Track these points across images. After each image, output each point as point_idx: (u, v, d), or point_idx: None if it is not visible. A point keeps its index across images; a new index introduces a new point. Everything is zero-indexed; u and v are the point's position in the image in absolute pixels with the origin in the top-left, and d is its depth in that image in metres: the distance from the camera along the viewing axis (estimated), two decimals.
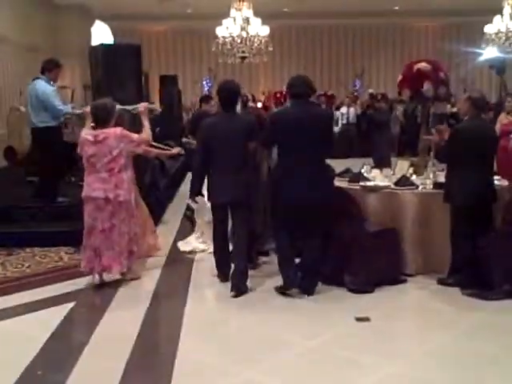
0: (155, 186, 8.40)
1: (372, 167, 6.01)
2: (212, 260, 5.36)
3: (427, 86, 5.43)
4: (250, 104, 18.12)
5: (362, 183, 5.46)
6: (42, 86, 6.96)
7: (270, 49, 15.36)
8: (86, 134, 5.22)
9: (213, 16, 14.97)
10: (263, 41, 15.28)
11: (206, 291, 5.28)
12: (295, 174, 4.59)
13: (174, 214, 8.34)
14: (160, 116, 9.21)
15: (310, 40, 20.47)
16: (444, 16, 18.70)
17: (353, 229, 4.91)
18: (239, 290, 4.88)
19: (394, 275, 5.09)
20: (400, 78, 5.70)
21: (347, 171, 6.02)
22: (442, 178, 5.30)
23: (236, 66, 18.56)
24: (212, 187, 5.06)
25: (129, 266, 5.25)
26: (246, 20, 15.04)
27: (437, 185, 5.29)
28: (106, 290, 5.17)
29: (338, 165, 5.94)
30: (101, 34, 15.41)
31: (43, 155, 7.27)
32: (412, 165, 5.93)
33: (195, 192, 5.29)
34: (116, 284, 5.25)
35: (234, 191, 4.85)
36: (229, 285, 4.98)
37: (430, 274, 5.24)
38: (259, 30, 15.07)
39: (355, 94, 18.27)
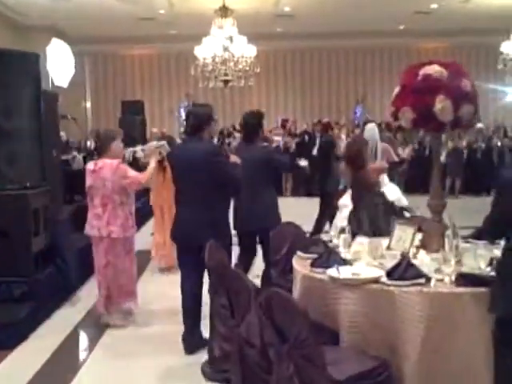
0: None
1: (354, 234, 3.67)
2: None
3: (442, 104, 3.12)
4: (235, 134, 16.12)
5: (331, 272, 3.14)
6: None
7: (257, 70, 13.53)
8: (90, 163, 5.20)
9: (195, 37, 13.16)
10: (249, 62, 13.44)
11: None
12: (181, 215, 4.44)
13: None
14: None
15: (306, 62, 18.48)
16: (454, 36, 16.56)
17: (300, 366, 2.50)
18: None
19: None
20: (397, 90, 3.36)
21: (317, 243, 3.72)
22: (470, 260, 3.03)
23: (226, 92, 16.55)
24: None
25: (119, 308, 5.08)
26: (230, 39, 13.20)
27: (464, 277, 2.89)
28: None
29: None
30: (59, 53, 13.47)
31: None
32: (420, 230, 3.62)
33: None
34: None
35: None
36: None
37: None
38: (245, 50, 13.20)
39: (356, 122, 16.08)
